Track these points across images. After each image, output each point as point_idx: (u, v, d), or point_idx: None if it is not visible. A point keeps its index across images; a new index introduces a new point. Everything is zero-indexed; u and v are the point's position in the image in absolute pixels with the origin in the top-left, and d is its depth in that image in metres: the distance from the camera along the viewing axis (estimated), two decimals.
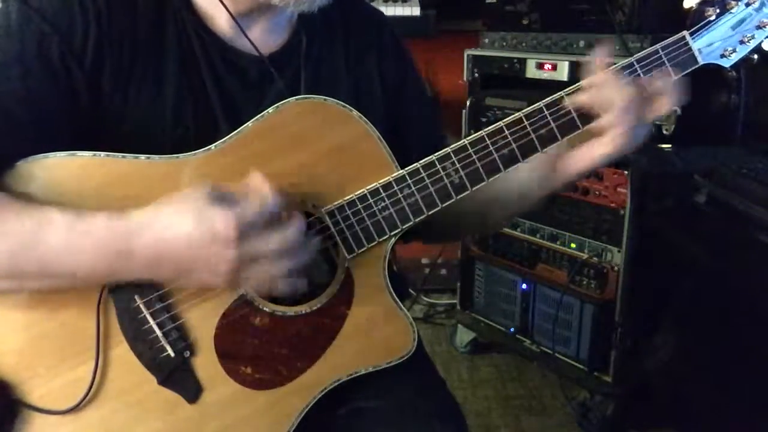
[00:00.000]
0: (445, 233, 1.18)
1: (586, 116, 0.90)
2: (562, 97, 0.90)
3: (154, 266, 0.79)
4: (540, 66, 2.00)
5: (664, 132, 1.62)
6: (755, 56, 0.98)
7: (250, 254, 0.78)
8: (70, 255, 0.77)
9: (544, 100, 0.91)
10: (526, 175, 0.98)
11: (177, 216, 0.77)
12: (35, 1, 0.85)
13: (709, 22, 0.95)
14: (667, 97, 0.89)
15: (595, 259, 1.93)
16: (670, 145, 1.77)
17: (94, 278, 0.81)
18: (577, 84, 0.90)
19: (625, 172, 1.83)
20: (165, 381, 0.85)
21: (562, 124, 0.90)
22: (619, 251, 1.88)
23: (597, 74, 0.90)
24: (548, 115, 0.91)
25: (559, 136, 0.91)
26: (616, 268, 1.89)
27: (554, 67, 1.96)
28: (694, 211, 1.60)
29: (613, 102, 0.87)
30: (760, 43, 0.97)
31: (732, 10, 0.95)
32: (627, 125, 0.87)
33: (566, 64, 1.92)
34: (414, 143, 1.04)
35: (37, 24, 0.84)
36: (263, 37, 0.96)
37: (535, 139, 0.91)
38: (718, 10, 0.96)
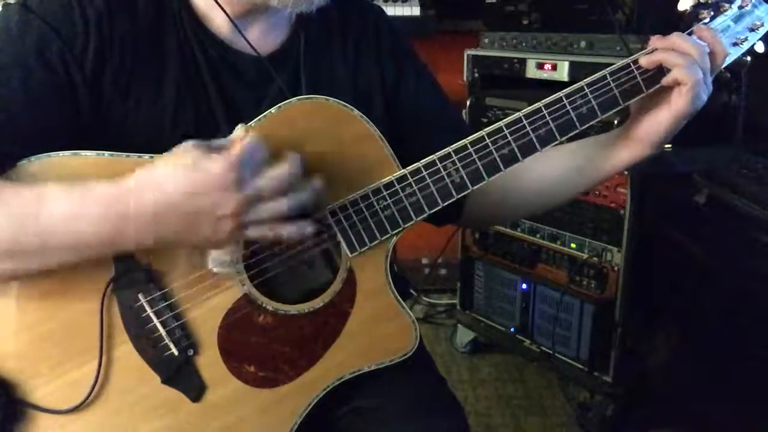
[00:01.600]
0: (495, 214, 1.22)
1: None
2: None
3: (158, 223, 0.77)
4: (540, 66, 2.00)
5: None
6: (748, 58, 0.99)
7: (250, 195, 0.77)
8: (71, 223, 0.76)
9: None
10: (592, 151, 1.02)
11: (174, 169, 0.77)
12: (36, 5, 0.85)
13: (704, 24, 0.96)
14: (718, 51, 0.94)
15: (595, 259, 1.93)
16: (669, 145, 1.76)
17: (98, 247, 0.79)
18: (649, 48, 0.93)
19: (625, 172, 1.83)
20: (168, 380, 0.86)
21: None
22: (619, 251, 1.88)
23: (664, 37, 0.93)
24: (549, 113, 0.92)
25: (558, 136, 0.92)
26: (616, 268, 1.89)
27: (554, 67, 1.96)
28: (694, 211, 1.60)
29: (680, 58, 0.90)
30: (753, 45, 0.98)
31: (725, 13, 0.96)
32: (695, 79, 0.90)
33: (566, 64, 1.92)
34: (429, 130, 1.06)
35: (38, 27, 0.84)
36: (262, 37, 0.97)
37: (534, 138, 0.92)
38: (712, 13, 0.96)
